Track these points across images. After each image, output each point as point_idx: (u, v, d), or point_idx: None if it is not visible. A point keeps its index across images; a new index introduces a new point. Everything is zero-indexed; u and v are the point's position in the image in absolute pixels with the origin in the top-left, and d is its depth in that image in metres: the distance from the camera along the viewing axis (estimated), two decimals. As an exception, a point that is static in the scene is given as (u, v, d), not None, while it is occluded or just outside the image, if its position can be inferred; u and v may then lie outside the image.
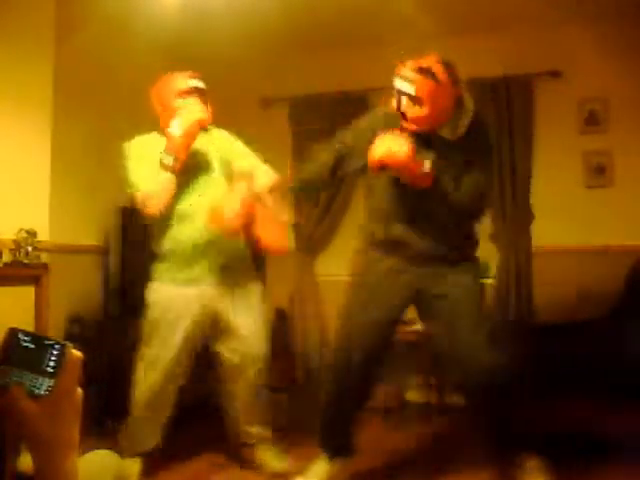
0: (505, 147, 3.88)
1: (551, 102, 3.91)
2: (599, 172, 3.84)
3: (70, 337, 3.06)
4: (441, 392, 3.97)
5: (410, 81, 2.19)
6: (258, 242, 2.52)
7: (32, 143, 3.24)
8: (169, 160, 2.40)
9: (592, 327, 3.08)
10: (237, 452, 2.81)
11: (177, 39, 3.86)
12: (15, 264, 2.75)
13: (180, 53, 4.10)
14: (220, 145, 2.70)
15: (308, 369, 4.20)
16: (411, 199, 2.29)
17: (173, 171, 2.42)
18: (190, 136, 2.41)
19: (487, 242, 3.95)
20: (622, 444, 2.75)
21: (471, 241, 2.50)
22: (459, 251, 2.40)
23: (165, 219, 2.52)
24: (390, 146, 2.10)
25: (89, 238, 3.54)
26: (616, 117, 3.81)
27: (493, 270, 3.95)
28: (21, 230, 2.82)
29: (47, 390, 0.69)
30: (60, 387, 0.70)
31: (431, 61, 2.26)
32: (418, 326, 3.88)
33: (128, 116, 3.87)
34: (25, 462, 2.42)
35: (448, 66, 2.27)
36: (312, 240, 4.33)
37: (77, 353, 0.73)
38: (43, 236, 3.03)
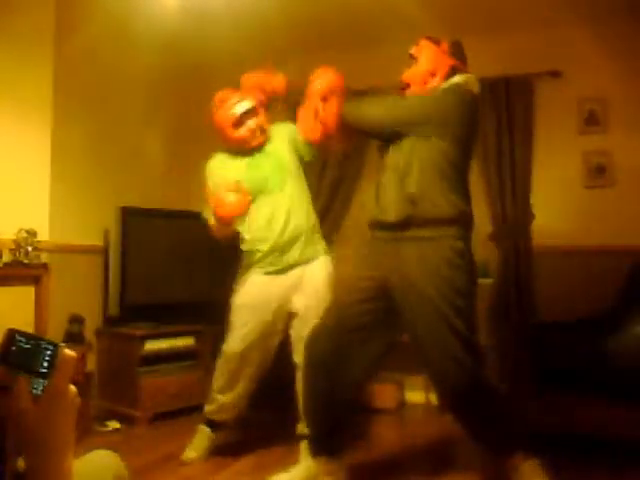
0: (505, 147, 3.88)
1: (551, 102, 3.91)
2: (599, 172, 3.84)
3: (70, 337, 3.07)
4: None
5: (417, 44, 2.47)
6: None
7: (32, 143, 3.24)
8: (212, 220, 2.70)
9: (592, 327, 3.08)
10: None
11: (177, 39, 3.86)
12: (15, 264, 2.75)
13: (180, 53, 4.11)
14: (283, 137, 2.88)
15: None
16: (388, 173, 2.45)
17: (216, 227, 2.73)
18: (224, 227, 2.70)
19: (487, 242, 3.95)
20: (622, 444, 2.75)
21: (445, 208, 2.30)
22: (430, 217, 2.29)
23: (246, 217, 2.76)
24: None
25: (89, 238, 3.54)
26: (616, 117, 3.81)
27: (493, 270, 3.95)
28: (21, 230, 2.82)
29: (43, 391, 0.70)
30: (53, 387, 0.70)
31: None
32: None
33: (128, 116, 3.88)
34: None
35: (455, 43, 2.48)
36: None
37: (70, 353, 0.73)
38: (43, 236, 3.04)
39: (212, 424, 2.86)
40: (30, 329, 2.78)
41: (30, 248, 2.81)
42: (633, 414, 2.77)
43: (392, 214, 2.30)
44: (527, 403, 2.96)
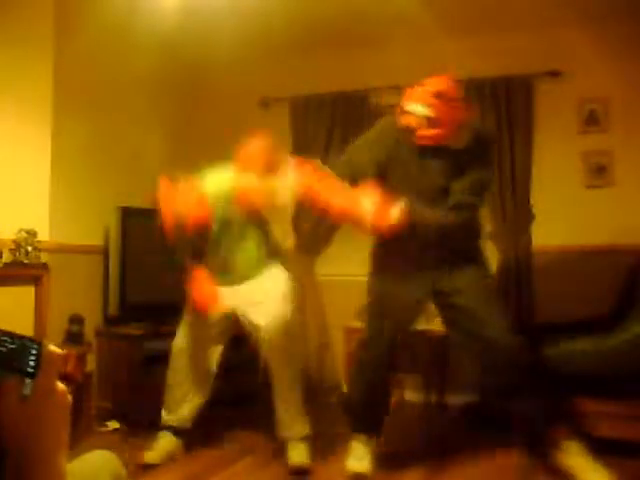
0: (505, 147, 3.88)
1: (551, 102, 3.91)
2: (599, 172, 3.84)
3: (70, 337, 3.07)
4: (441, 392, 3.97)
5: (427, 105, 2.43)
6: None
7: (32, 143, 3.24)
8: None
9: (592, 327, 3.08)
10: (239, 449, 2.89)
11: (177, 39, 3.86)
12: (15, 264, 2.75)
13: (180, 53, 4.11)
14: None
15: (308, 368, 4.19)
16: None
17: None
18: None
19: (487, 242, 3.95)
20: (622, 444, 2.75)
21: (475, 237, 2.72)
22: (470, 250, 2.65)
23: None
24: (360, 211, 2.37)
25: (89, 238, 3.54)
26: (616, 117, 3.81)
27: (493, 270, 3.95)
28: (21, 230, 2.82)
29: (32, 391, 0.68)
30: (39, 387, 0.69)
31: (444, 84, 2.45)
32: (417, 326, 3.88)
33: (128, 116, 3.88)
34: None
35: (455, 85, 2.49)
36: (312, 240, 4.33)
37: (55, 349, 0.71)
38: (43, 236, 3.04)
39: (169, 428, 2.87)
40: (30, 329, 2.78)
41: (30, 248, 2.81)
42: (633, 414, 2.77)
43: None
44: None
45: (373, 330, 2.70)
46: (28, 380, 0.68)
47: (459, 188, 2.46)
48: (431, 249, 2.56)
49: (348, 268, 4.37)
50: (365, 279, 4.28)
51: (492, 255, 3.93)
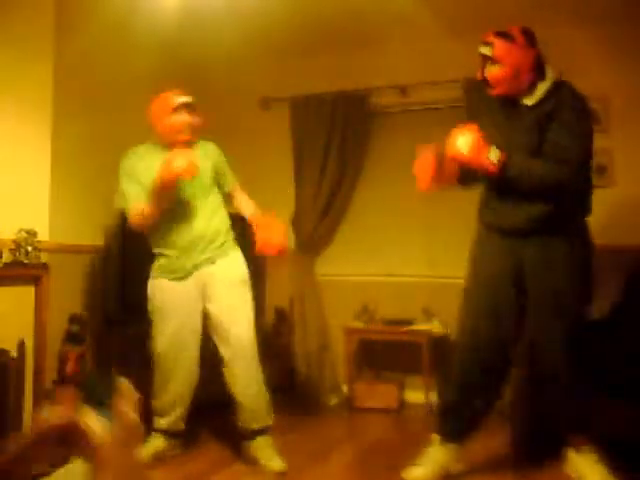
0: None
1: (551, 102, 3.90)
2: (599, 172, 3.84)
3: (70, 337, 3.06)
4: (441, 392, 3.97)
5: (489, 43, 2.35)
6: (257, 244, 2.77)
7: (32, 143, 3.24)
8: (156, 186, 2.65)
9: (592, 327, 3.08)
10: (240, 448, 2.86)
11: (177, 39, 3.86)
12: (15, 264, 2.75)
13: (180, 53, 4.11)
14: (211, 155, 2.92)
15: (308, 369, 4.20)
16: (499, 183, 2.39)
17: (154, 205, 2.68)
18: (170, 189, 2.64)
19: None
20: (622, 444, 2.75)
21: (569, 210, 2.40)
22: (555, 221, 2.37)
23: (160, 222, 2.76)
24: (457, 143, 2.27)
25: (89, 238, 3.54)
26: (616, 117, 3.81)
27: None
28: (21, 230, 2.82)
29: (110, 420, 0.77)
30: (115, 416, 0.76)
31: (511, 27, 2.41)
32: (418, 326, 3.89)
33: (128, 116, 3.88)
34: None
35: (527, 32, 2.41)
36: (312, 240, 4.33)
37: (128, 386, 0.79)
38: (43, 236, 3.03)
39: (163, 432, 2.85)
40: (30, 329, 2.78)
41: (30, 248, 2.81)
42: (633, 414, 2.77)
43: None
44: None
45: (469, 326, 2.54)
46: (108, 411, 0.77)
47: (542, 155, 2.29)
48: (508, 221, 2.41)
49: (348, 268, 4.37)
50: (365, 279, 4.31)
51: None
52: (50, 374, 2.91)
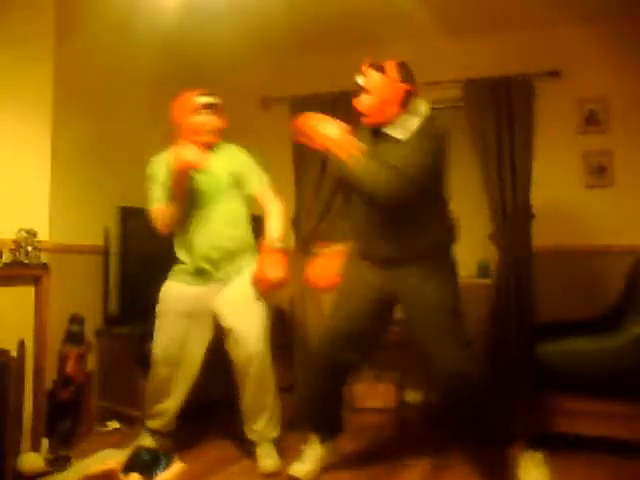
0: (505, 147, 3.88)
1: (551, 102, 3.90)
2: (599, 172, 3.85)
3: (70, 337, 3.06)
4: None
5: (362, 74, 2.45)
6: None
7: (32, 143, 3.24)
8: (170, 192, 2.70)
9: (592, 327, 3.08)
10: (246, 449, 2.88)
11: (177, 39, 3.86)
12: (15, 264, 2.75)
13: (180, 53, 4.11)
14: (230, 158, 2.88)
15: (308, 369, 4.19)
16: (369, 213, 2.48)
17: (172, 200, 2.70)
18: (181, 179, 2.64)
19: (487, 242, 3.95)
20: (622, 444, 2.76)
21: (432, 237, 2.47)
22: (421, 249, 2.46)
23: (181, 227, 2.80)
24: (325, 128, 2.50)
25: (89, 238, 3.54)
26: (616, 117, 3.81)
27: (493, 270, 3.96)
28: (21, 230, 2.81)
29: None
30: None
31: (387, 61, 2.46)
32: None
33: (128, 116, 3.88)
34: (25, 462, 2.44)
35: (402, 66, 2.44)
36: (312, 240, 4.33)
37: (180, 464, 0.87)
38: (43, 236, 3.03)
39: (153, 432, 2.83)
40: (30, 329, 2.78)
41: (30, 248, 2.80)
42: (633, 414, 2.77)
43: None
44: (527, 402, 2.96)
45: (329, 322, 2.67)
46: None
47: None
48: (380, 250, 2.49)
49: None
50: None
51: (492, 255, 3.94)
52: (50, 374, 2.91)
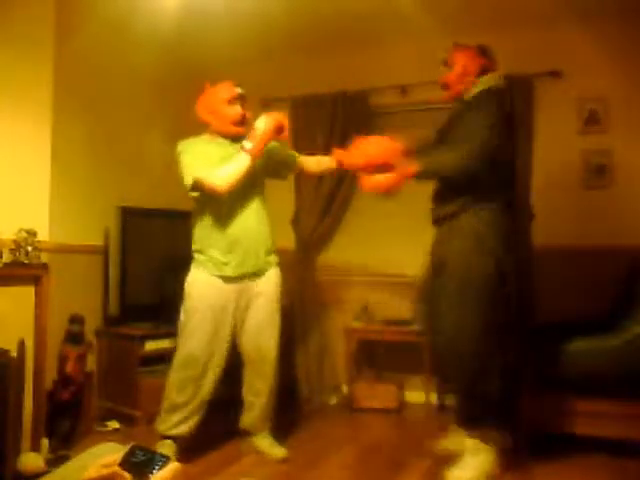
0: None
1: (551, 102, 3.90)
2: (599, 172, 3.84)
3: (70, 337, 3.06)
4: (441, 392, 3.97)
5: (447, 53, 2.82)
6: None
7: (32, 143, 3.24)
8: (248, 145, 2.63)
9: (592, 327, 3.08)
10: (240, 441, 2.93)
11: (177, 39, 3.86)
12: (15, 264, 2.75)
13: (180, 53, 4.11)
14: None
15: (308, 369, 4.20)
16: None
17: (252, 156, 2.63)
18: (269, 133, 2.65)
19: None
20: (622, 444, 2.75)
21: None
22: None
23: (215, 218, 2.75)
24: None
25: (89, 238, 3.54)
26: (616, 117, 3.81)
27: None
28: (21, 230, 2.81)
29: None
30: None
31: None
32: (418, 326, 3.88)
33: (128, 116, 3.88)
34: (25, 462, 2.43)
35: (480, 46, 2.79)
36: (312, 240, 4.33)
37: (176, 465, 0.86)
38: (43, 236, 3.03)
39: (175, 439, 2.77)
40: (30, 329, 2.78)
41: (30, 248, 2.80)
42: (633, 414, 2.77)
43: None
44: (527, 403, 2.96)
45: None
46: None
47: None
48: None
49: (348, 268, 4.37)
50: (365, 279, 4.30)
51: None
52: (50, 374, 2.92)
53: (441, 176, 2.68)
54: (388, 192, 2.68)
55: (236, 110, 2.79)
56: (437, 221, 2.75)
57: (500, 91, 2.74)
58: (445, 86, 2.78)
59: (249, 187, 2.75)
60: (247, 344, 2.83)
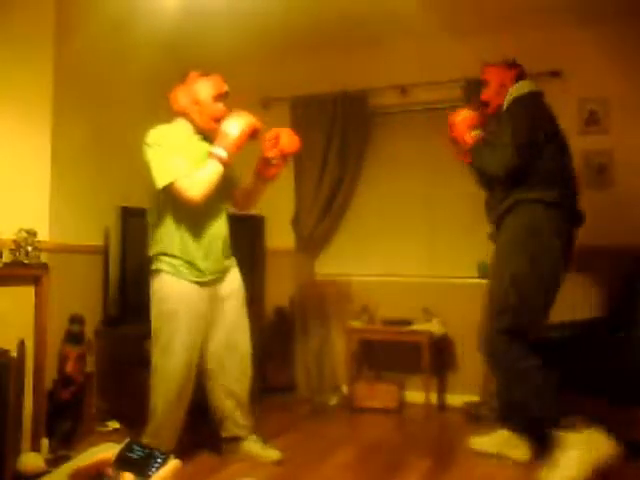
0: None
1: (551, 102, 3.88)
2: (599, 172, 3.84)
3: (70, 337, 3.07)
4: (441, 392, 3.97)
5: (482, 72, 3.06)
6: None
7: (32, 143, 3.24)
8: (222, 153, 2.54)
9: (592, 327, 3.08)
10: (223, 446, 2.86)
11: (177, 39, 3.86)
12: (15, 264, 2.75)
13: (180, 53, 4.11)
14: None
15: (308, 369, 4.20)
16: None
17: (224, 165, 2.56)
18: (243, 138, 2.58)
19: (487, 242, 3.95)
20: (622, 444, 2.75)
21: None
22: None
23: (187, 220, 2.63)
24: (456, 115, 3.05)
25: (89, 238, 3.54)
26: (616, 117, 3.81)
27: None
28: (21, 230, 2.81)
29: None
30: None
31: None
32: (418, 326, 3.89)
33: (128, 116, 3.88)
34: (25, 462, 2.43)
35: (509, 60, 3.05)
36: (312, 240, 4.33)
37: (176, 462, 0.83)
38: (43, 236, 3.03)
39: None
40: (30, 329, 2.78)
41: (30, 248, 2.80)
42: (633, 414, 2.77)
43: None
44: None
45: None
46: None
47: None
48: None
49: (348, 268, 4.37)
50: (365, 279, 4.30)
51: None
52: (50, 374, 2.91)
53: (482, 171, 2.93)
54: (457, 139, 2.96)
55: (220, 108, 2.72)
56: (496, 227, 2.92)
57: (530, 95, 2.85)
58: (486, 103, 2.96)
59: (220, 190, 2.66)
60: (220, 347, 2.73)
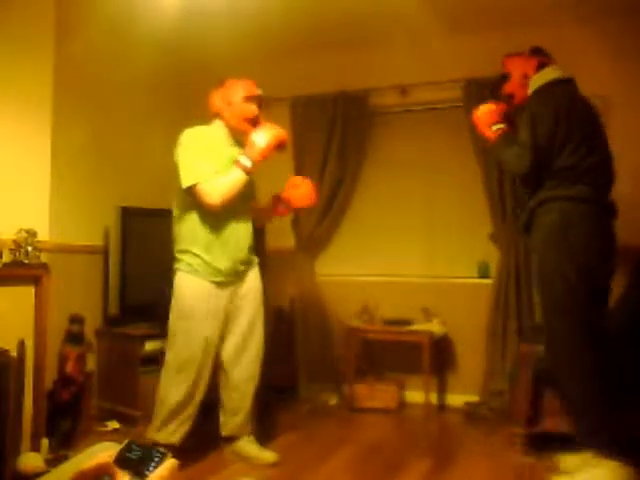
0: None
1: (551, 102, 3.90)
2: (599, 172, 3.83)
3: (70, 337, 3.07)
4: (441, 392, 3.97)
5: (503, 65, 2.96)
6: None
7: (32, 143, 3.24)
8: (247, 163, 2.61)
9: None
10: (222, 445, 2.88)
11: (177, 39, 3.86)
12: (15, 264, 2.75)
13: (180, 53, 4.12)
14: None
15: (308, 369, 4.20)
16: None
17: (248, 173, 2.63)
18: (270, 149, 2.67)
19: (487, 242, 3.95)
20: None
21: None
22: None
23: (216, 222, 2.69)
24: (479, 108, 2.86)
25: (89, 238, 3.54)
26: (616, 117, 3.81)
27: (493, 270, 3.95)
28: (21, 230, 2.81)
29: None
30: None
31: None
32: (418, 326, 3.89)
33: (128, 116, 3.88)
34: (25, 462, 2.43)
35: (532, 47, 2.97)
36: (312, 240, 4.33)
37: (173, 461, 0.84)
38: (43, 236, 3.03)
39: (167, 447, 2.68)
40: (30, 329, 2.78)
41: (30, 248, 2.80)
42: (633, 414, 2.77)
43: None
44: (528, 403, 2.96)
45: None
46: None
47: None
48: None
49: (348, 268, 4.37)
50: (365, 279, 4.30)
51: (492, 255, 3.94)
52: (50, 374, 2.91)
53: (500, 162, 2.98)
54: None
55: (252, 109, 2.79)
56: (525, 229, 2.76)
57: (550, 86, 2.76)
58: (510, 95, 2.82)
59: (246, 194, 2.74)
60: (234, 346, 2.78)
